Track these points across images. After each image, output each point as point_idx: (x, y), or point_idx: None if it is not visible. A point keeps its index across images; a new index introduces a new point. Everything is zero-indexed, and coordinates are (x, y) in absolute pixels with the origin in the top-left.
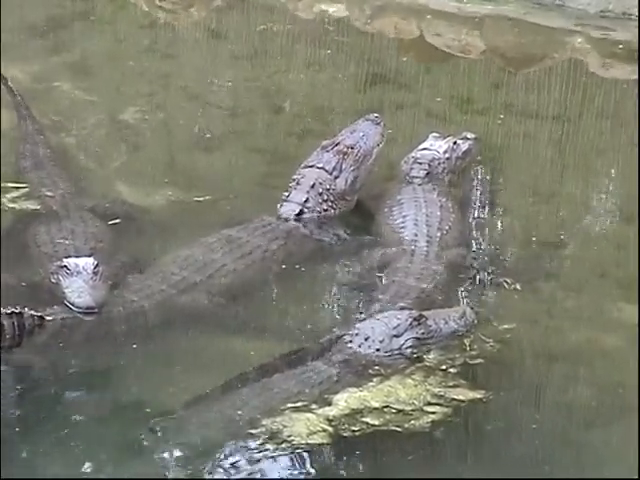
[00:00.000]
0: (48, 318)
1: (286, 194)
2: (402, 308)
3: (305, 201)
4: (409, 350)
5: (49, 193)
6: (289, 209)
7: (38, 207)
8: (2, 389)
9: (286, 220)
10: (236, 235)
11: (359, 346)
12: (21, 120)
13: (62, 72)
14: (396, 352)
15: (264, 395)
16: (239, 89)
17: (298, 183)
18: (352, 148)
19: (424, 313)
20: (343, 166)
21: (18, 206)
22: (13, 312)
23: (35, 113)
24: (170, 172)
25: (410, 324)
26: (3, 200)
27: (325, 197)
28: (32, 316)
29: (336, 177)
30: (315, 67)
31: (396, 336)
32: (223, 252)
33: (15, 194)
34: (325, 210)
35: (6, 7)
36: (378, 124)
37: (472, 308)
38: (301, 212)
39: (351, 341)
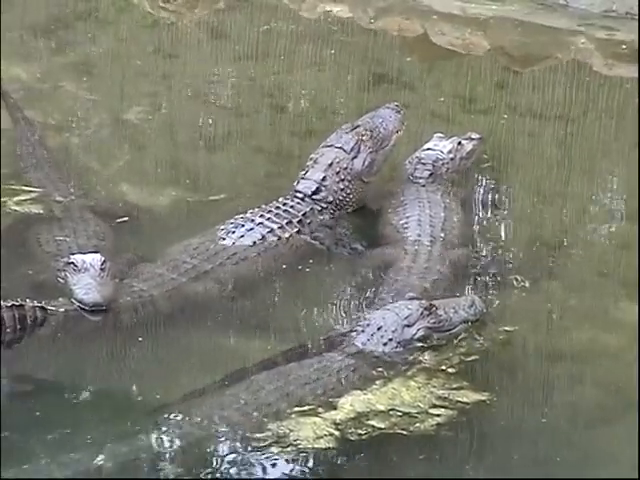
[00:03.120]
0: (50, 308)
1: (303, 172)
2: (412, 298)
3: (322, 179)
4: (421, 340)
5: (58, 198)
6: (306, 186)
7: (41, 211)
8: (2, 384)
9: (302, 199)
10: (249, 218)
11: (371, 335)
12: (16, 122)
13: (66, 72)
14: (408, 342)
15: (281, 380)
16: (242, 89)
17: (316, 162)
18: (371, 131)
19: (434, 302)
20: (361, 147)
21: (21, 209)
22: (14, 305)
23: (38, 113)
24: (173, 172)
25: (421, 314)
26: (8, 203)
27: (342, 176)
28: (34, 308)
29: (354, 157)
30: (319, 67)
31: (408, 326)
32: (234, 239)
33: (20, 197)
34: (342, 189)
35: (9, 7)
36: (398, 112)
37: (480, 297)
38: (318, 190)
39: (363, 331)
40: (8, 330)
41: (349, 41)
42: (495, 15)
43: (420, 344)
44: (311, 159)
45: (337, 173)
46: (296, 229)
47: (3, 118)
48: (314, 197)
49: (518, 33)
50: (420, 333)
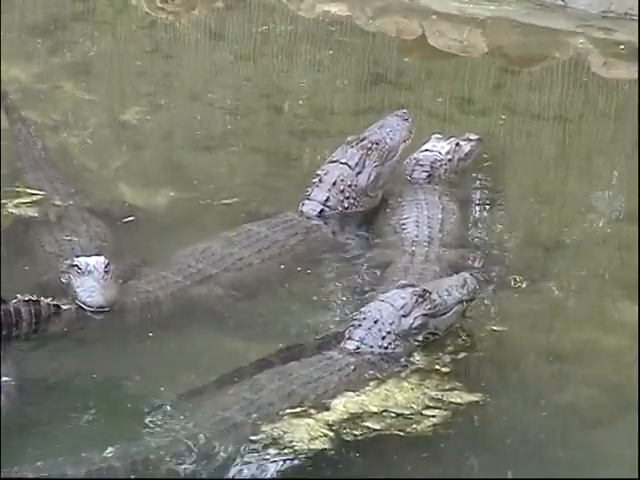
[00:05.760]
0: (64, 307)
1: (308, 191)
2: (404, 286)
3: (326, 200)
4: (418, 329)
5: (57, 202)
6: (310, 208)
7: (36, 214)
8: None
9: (307, 218)
10: (256, 230)
11: (369, 329)
12: (13, 123)
13: (64, 72)
14: (406, 333)
15: (283, 380)
16: (240, 89)
17: (320, 180)
18: (377, 144)
19: (426, 288)
20: (366, 162)
21: (17, 211)
22: (30, 300)
23: (37, 113)
24: (171, 172)
25: (416, 301)
26: (8, 205)
27: (347, 194)
28: (48, 305)
29: (358, 173)
30: (317, 67)
31: (404, 316)
32: (241, 246)
33: (20, 200)
34: (347, 208)
35: (8, 7)
36: (406, 120)
37: (472, 274)
38: (322, 211)
39: (360, 325)
40: (25, 324)
41: (347, 41)
42: (493, 15)
43: (418, 332)
44: (317, 176)
45: (341, 191)
46: (301, 238)
47: (2, 119)
48: (319, 217)
49: (516, 33)
50: (417, 322)
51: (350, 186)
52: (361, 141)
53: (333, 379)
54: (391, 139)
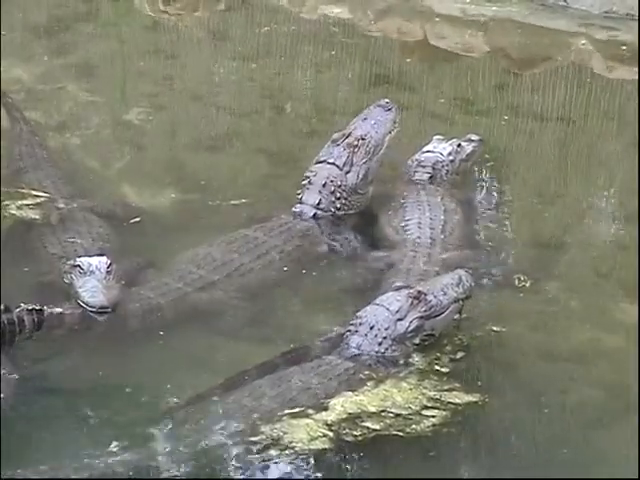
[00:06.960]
0: (67, 313)
1: (299, 195)
2: (399, 288)
3: (318, 203)
4: (414, 331)
5: (60, 205)
6: (304, 212)
7: (37, 217)
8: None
9: (302, 221)
10: (252, 235)
11: (365, 335)
12: (14, 122)
13: (66, 73)
14: (402, 336)
15: (283, 386)
16: (243, 90)
17: (310, 182)
18: (363, 139)
19: (421, 289)
20: (354, 160)
21: (19, 213)
22: (34, 309)
23: (39, 114)
24: (174, 173)
25: (411, 304)
26: (10, 206)
27: (338, 195)
28: (52, 313)
29: (347, 172)
30: (319, 68)
31: (400, 320)
32: (240, 252)
33: (23, 201)
34: (339, 208)
35: (10, 7)
36: (389, 109)
37: (467, 271)
38: (315, 215)
39: (357, 331)
40: (27, 332)
41: (349, 42)
42: (495, 16)
43: (414, 335)
44: (306, 178)
45: (332, 192)
46: (298, 243)
47: (3, 119)
48: (313, 220)
49: (518, 34)
50: (413, 325)
51: (340, 186)
52: (346, 138)
53: (332, 384)
54: (376, 132)
